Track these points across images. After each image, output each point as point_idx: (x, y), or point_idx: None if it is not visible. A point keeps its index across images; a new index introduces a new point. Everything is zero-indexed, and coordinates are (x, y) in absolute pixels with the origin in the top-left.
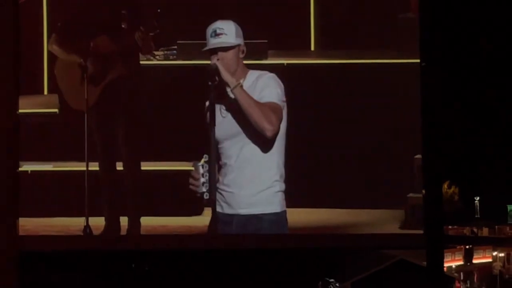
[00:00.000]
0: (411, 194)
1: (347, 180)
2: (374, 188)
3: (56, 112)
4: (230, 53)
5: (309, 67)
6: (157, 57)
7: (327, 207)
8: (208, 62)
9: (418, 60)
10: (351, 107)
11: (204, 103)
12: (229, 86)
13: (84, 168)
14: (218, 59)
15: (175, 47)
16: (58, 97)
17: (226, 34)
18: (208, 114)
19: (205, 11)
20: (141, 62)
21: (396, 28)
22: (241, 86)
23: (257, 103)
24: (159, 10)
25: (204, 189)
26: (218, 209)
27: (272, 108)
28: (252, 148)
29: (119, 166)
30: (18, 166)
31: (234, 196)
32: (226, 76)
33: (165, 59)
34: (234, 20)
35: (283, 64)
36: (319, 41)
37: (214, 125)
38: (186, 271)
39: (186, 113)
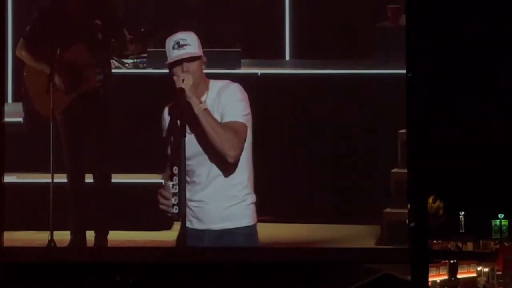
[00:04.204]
0: (387, 209)
1: (323, 195)
2: (350, 203)
3: (20, 122)
4: (195, 64)
5: (283, 77)
6: (127, 65)
7: (304, 222)
8: None
9: (397, 71)
10: (327, 118)
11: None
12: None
13: (49, 180)
14: (183, 79)
15: (145, 55)
16: (23, 106)
17: (190, 45)
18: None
19: (177, 19)
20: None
21: (372, 38)
22: (205, 109)
23: (220, 127)
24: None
25: (174, 210)
26: (188, 224)
27: (236, 130)
28: (221, 165)
29: (88, 178)
30: (3, 176)
31: (204, 211)
32: (191, 97)
33: (135, 68)
34: (207, 29)
35: (257, 73)
36: (294, 50)
37: (184, 136)
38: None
39: (156, 123)
